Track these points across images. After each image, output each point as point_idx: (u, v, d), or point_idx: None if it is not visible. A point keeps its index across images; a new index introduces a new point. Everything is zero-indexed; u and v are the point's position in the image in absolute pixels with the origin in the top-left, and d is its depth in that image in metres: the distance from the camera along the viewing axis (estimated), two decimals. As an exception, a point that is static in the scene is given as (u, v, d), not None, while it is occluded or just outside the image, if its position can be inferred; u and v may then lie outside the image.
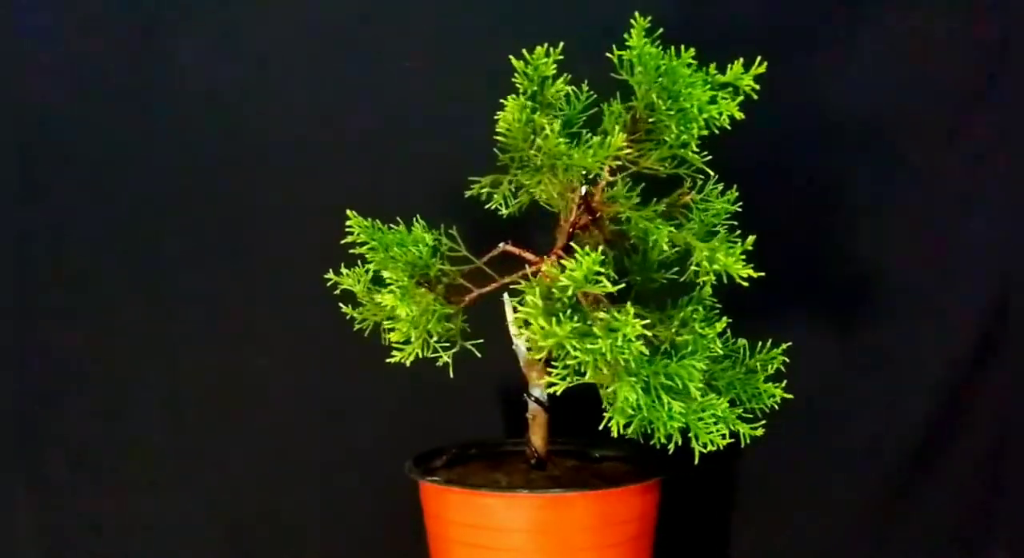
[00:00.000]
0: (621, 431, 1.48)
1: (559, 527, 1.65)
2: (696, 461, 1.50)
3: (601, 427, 1.50)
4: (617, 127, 1.52)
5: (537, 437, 1.73)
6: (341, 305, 1.70)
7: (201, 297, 1.99)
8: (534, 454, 1.73)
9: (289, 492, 2.01)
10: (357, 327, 1.70)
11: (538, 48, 1.53)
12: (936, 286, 1.98)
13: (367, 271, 1.66)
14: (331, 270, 1.95)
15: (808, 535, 2.02)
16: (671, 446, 1.51)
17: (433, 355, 1.63)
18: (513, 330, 1.68)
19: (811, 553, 2.02)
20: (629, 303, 1.48)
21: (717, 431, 1.51)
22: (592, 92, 1.65)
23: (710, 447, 1.51)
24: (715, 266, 1.52)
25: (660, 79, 1.53)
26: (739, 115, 1.52)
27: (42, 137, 1.95)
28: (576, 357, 1.45)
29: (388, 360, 1.61)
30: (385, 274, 1.60)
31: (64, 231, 1.97)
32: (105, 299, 1.98)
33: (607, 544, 1.68)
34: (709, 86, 1.52)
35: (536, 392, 1.71)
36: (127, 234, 1.97)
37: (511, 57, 1.55)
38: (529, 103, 1.53)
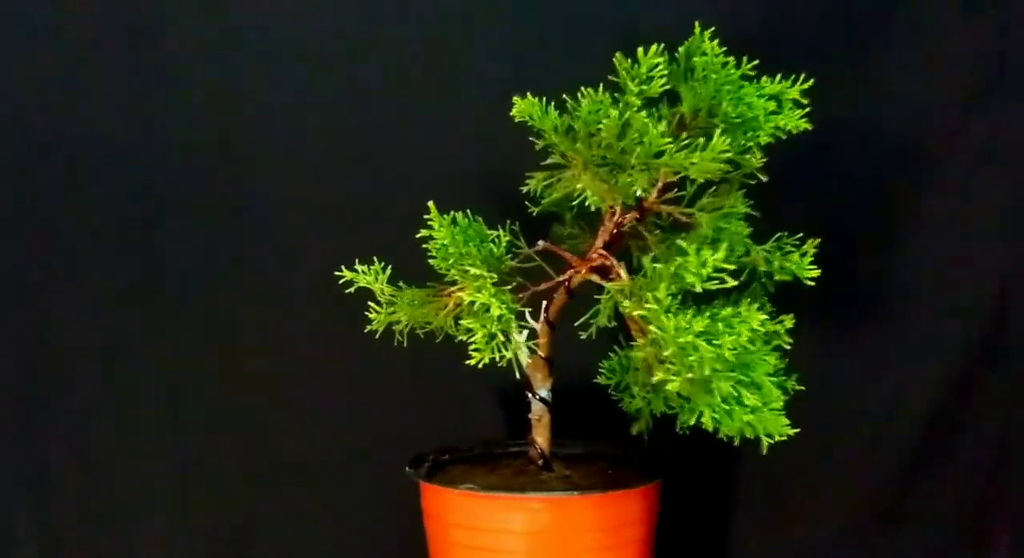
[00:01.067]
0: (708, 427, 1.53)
1: (559, 529, 1.64)
2: (764, 452, 1.54)
3: (692, 423, 1.54)
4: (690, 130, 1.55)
5: (542, 438, 1.73)
6: (372, 305, 1.68)
7: (201, 297, 1.98)
8: (541, 455, 1.73)
9: (289, 493, 2.00)
10: (369, 329, 1.68)
11: (652, 47, 1.54)
12: (936, 286, 1.98)
13: (385, 268, 1.65)
14: (331, 270, 1.97)
15: (808, 535, 2.02)
16: (736, 439, 1.55)
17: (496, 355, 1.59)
18: (514, 333, 1.68)
19: (811, 553, 2.02)
20: (747, 299, 1.53)
21: (782, 423, 1.55)
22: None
23: (777, 438, 1.54)
24: (788, 266, 1.59)
25: (725, 87, 1.56)
26: (806, 127, 1.57)
27: (42, 137, 1.95)
28: (697, 354, 1.46)
29: (467, 361, 1.56)
30: (472, 271, 1.57)
31: (64, 231, 1.96)
32: (105, 299, 1.97)
33: (607, 546, 1.67)
34: (767, 97, 1.57)
35: (542, 392, 1.71)
36: (127, 234, 1.97)
37: (618, 54, 1.54)
38: (637, 101, 1.53)
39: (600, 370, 1.70)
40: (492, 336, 1.55)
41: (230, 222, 1.98)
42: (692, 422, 1.55)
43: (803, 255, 1.61)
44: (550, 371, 1.70)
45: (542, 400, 1.71)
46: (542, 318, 1.67)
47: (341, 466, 2.00)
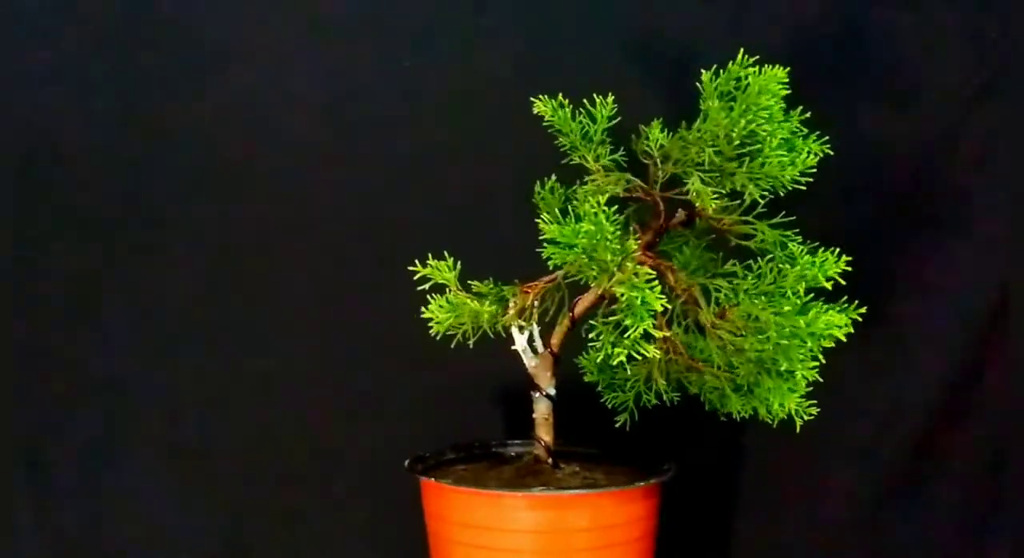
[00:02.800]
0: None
1: (561, 528, 1.65)
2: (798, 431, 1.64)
3: (769, 413, 1.64)
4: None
5: (549, 437, 1.73)
6: (430, 304, 1.65)
7: (202, 297, 1.98)
8: (549, 453, 1.73)
9: (289, 492, 2.00)
10: (436, 330, 1.65)
11: (777, 68, 1.58)
12: (936, 286, 1.98)
13: (456, 265, 1.65)
14: (332, 269, 1.97)
15: (808, 535, 2.02)
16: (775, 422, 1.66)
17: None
18: (516, 334, 1.68)
19: (811, 553, 2.02)
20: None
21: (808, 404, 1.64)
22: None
23: (807, 418, 1.65)
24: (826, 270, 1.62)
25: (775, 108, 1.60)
26: (828, 152, 1.64)
27: (42, 137, 1.94)
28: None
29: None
30: (631, 266, 1.56)
31: (64, 231, 1.95)
32: (105, 299, 1.97)
33: (609, 545, 1.67)
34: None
35: (549, 390, 1.71)
36: (127, 234, 1.96)
37: (731, 65, 1.57)
38: (765, 115, 1.58)
39: (582, 369, 1.75)
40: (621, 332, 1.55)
41: (231, 221, 1.97)
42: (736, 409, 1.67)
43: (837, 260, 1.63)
44: (556, 369, 1.71)
45: (548, 397, 1.71)
46: (568, 316, 1.68)
47: (341, 466, 2.00)
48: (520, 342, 1.69)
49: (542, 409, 1.72)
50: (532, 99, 1.65)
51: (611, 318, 1.56)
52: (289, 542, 2.01)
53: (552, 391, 1.71)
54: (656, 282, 1.54)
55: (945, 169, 1.97)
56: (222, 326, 1.98)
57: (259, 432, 1.99)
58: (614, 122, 1.68)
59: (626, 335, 1.52)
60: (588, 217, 1.54)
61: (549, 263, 1.58)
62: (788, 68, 1.60)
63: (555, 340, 1.69)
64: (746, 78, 1.58)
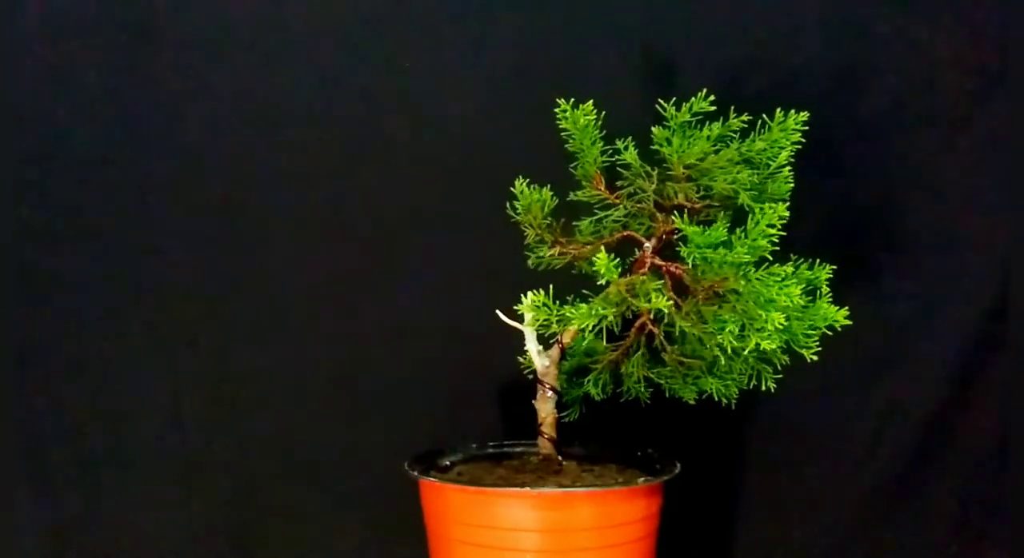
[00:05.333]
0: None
1: (563, 526, 1.64)
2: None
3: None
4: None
5: (555, 433, 1.73)
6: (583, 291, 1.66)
7: (202, 296, 1.97)
8: (558, 451, 1.73)
9: (289, 492, 1.99)
10: (581, 325, 1.62)
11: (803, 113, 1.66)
12: (936, 285, 1.99)
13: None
14: (332, 269, 1.97)
15: (808, 535, 2.02)
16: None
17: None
18: (528, 335, 1.68)
19: (811, 553, 2.02)
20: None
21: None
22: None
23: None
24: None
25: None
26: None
27: (42, 137, 1.93)
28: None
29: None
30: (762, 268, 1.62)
31: (64, 231, 1.95)
32: (105, 299, 1.96)
33: (612, 544, 1.67)
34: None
35: (558, 387, 1.72)
36: (127, 234, 1.96)
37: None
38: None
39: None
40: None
41: (230, 221, 1.96)
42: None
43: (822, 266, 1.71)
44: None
45: (556, 392, 1.71)
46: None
47: (341, 466, 1.99)
48: (533, 343, 1.69)
49: (549, 407, 1.72)
50: (558, 100, 1.67)
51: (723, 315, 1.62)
52: (289, 542, 2.00)
53: (559, 387, 1.71)
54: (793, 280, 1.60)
55: (945, 169, 1.97)
56: (222, 326, 1.98)
57: (260, 432, 1.98)
58: (603, 132, 1.70)
59: (759, 329, 1.57)
60: (761, 223, 1.60)
61: (687, 260, 1.62)
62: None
63: (567, 338, 1.69)
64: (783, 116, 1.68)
